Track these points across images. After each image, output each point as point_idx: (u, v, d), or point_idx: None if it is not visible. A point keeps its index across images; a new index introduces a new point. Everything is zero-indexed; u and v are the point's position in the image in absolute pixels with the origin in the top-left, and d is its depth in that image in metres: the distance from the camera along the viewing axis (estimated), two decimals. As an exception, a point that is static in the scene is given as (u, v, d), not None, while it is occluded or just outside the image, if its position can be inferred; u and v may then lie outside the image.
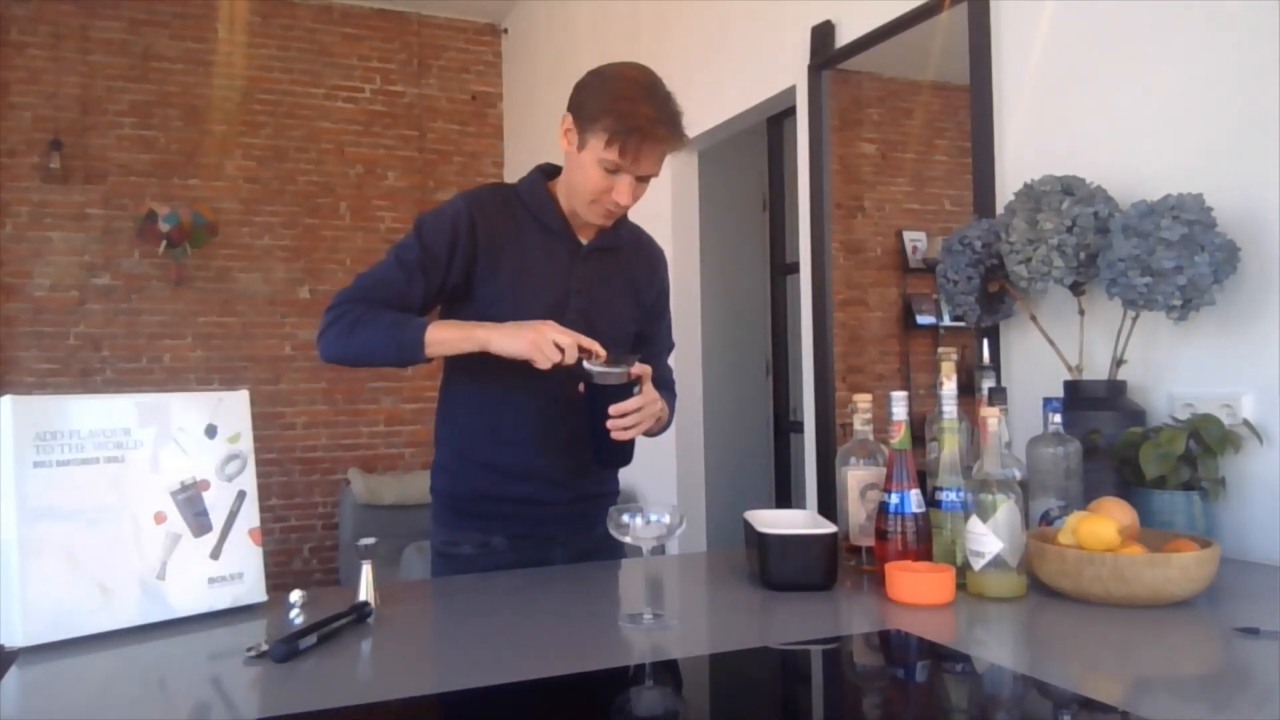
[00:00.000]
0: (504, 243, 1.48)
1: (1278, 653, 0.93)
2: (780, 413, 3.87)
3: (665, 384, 1.65)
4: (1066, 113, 1.78)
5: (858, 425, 1.39)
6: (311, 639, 0.98)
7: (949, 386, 1.26)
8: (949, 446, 1.25)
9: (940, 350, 1.32)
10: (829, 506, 1.53)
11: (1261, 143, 1.43)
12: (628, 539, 1.14)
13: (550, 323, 1.34)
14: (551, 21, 4.53)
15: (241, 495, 1.17)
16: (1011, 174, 1.89)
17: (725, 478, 3.68)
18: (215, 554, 1.13)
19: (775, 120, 3.31)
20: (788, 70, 2.67)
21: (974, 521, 1.17)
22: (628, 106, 1.36)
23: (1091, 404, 1.53)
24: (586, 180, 1.42)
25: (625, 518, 1.13)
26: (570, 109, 1.43)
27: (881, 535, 1.24)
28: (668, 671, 0.96)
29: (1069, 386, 1.60)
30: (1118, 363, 1.56)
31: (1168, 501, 1.36)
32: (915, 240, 2.52)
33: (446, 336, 1.38)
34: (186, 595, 1.10)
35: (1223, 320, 1.48)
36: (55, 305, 4.33)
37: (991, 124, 1.94)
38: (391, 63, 4.98)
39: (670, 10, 3.37)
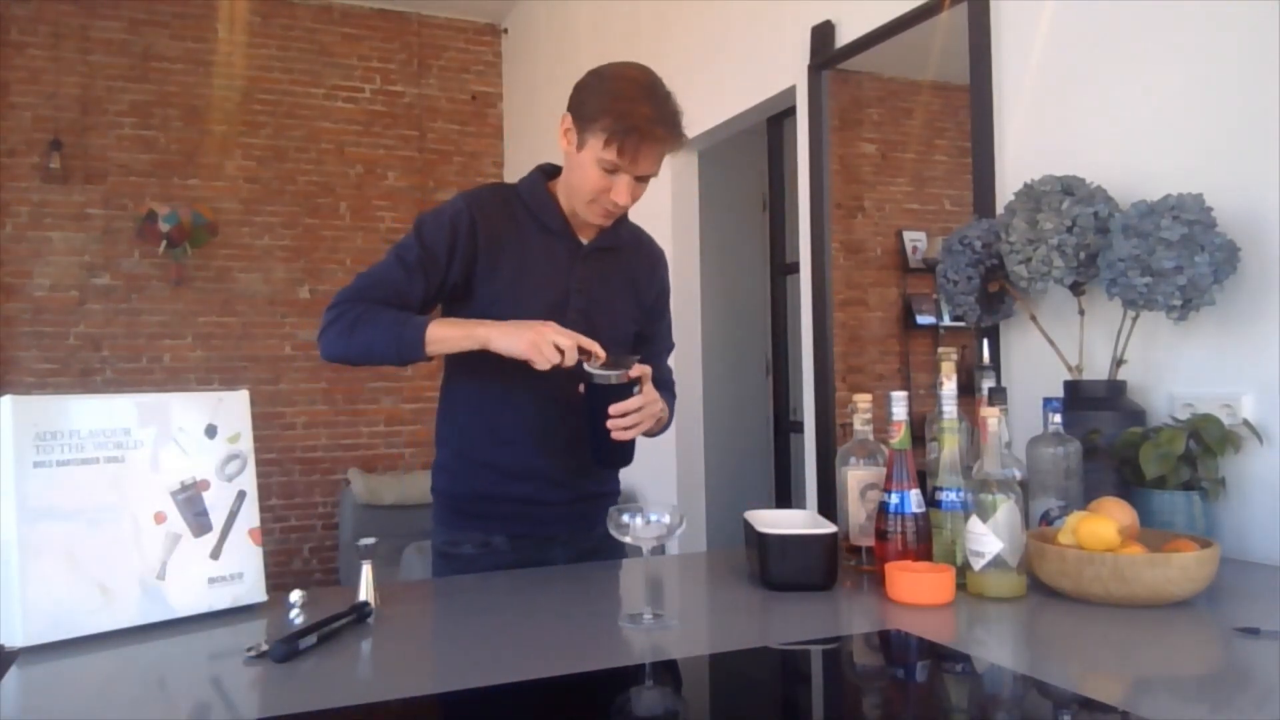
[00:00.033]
0: (504, 242, 1.48)
1: (1278, 653, 0.93)
2: (780, 413, 3.87)
3: (665, 384, 1.65)
4: (1066, 113, 1.78)
5: (858, 425, 1.39)
6: (311, 639, 0.98)
7: (949, 386, 1.26)
8: (949, 446, 1.25)
9: (940, 350, 1.32)
10: (829, 506, 1.53)
11: (1261, 143, 1.43)
12: (628, 539, 1.14)
13: (551, 324, 1.34)
14: (551, 21, 4.53)
15: (241, 495, 1.17)
16: (1011, 174, 1.89)
17: (725, 478, 3.68)
18: (215, 554, 1.13)
19: (775, 120, 3.31)
20: (788, 70, 2.67)
21: (974, 521, 1.17)
22: (626, 106, 1.36)
23: (1091, 404, 1.53)
24: (585, 180, 1.42)
25: (625, 518, 1.13)
26: (570, 109, 1.43)
27: (881, 535, 1.24)
28: (668, 671, 0.96)
29: (1069, 386, 1.60)
30: (1118, 363, 1.56)
31: (1168, 501, 1.36)
32: (915, 240, 2.52)
33: (447, 335, 1.38)
34: (186, 595, 1.10)
35: (1223, 320, 1.48)
36: (55, 305, 4.33)
37: (991, 124, 1.94)
38: (391, 63, 4.98)
39: (670, 10, 3.37)
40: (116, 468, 1.07)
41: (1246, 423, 1.42)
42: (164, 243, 4.36)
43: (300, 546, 4.71)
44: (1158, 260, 1.39)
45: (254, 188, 4.67)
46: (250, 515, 1.17)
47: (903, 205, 2.57)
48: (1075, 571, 1.12)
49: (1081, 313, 1.64)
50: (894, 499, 1.23)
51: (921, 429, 1.35)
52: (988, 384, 1.41)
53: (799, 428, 2.93)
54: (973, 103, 1.97)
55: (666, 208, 3.38)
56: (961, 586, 1.18)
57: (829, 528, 1.25)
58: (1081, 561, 1.12)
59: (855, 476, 1.36)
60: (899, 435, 1.24)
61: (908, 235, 2.52)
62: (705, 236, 3.48)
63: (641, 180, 1.43)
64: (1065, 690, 0.85)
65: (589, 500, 1.57)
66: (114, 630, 1.04)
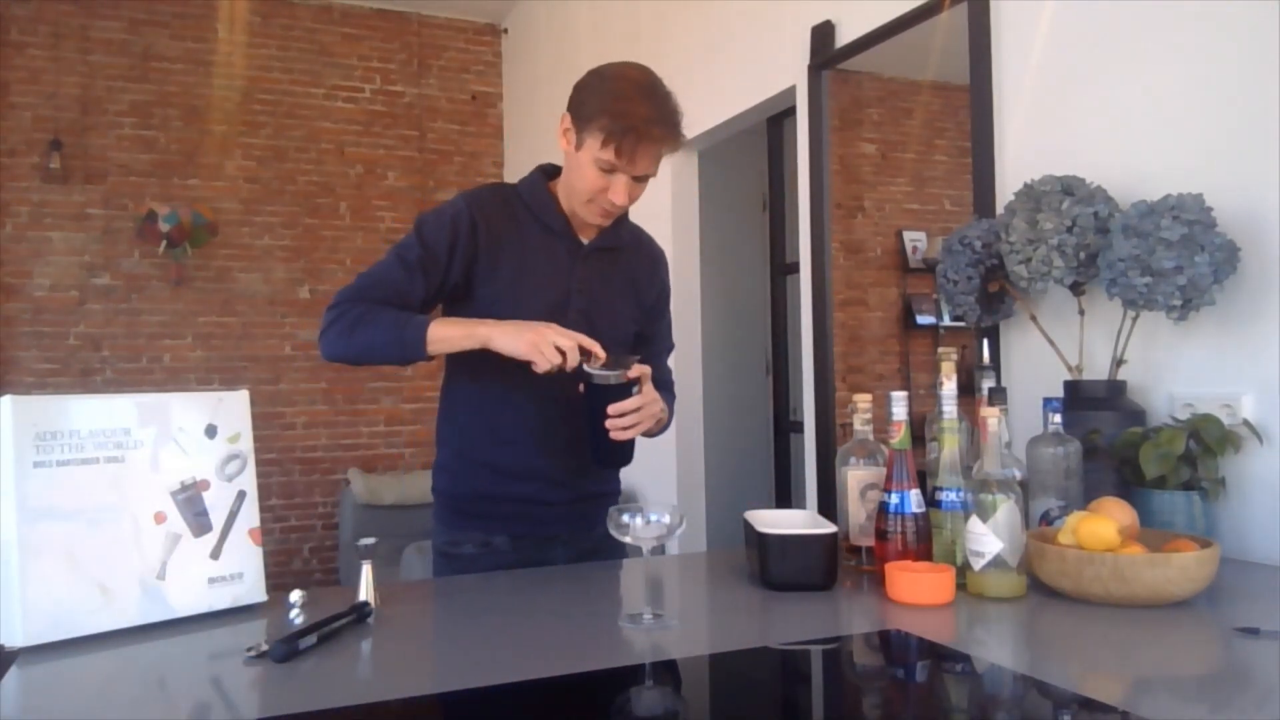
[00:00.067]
0: (504, 242, 1.48)
1: (1278, 653, 0.93)
2: (780, 413, 3.87)
3: (665, 385, 1.65)
4: (1066, 113, 1.78)
5: (858, 425, 1.39)
6: (311, 639, 0.98)
7: (949, 386, 1.26)
8: (949, 446, 1.25)
9: (940, 350, 1.32)
10: (829, 506, 1.53)
11: (1261, 143, 1.43)
12: (628, 539, 1.14)
13: (553, 325, 1.34)
14: (551, 21, 4.53)
15: (241, 495, 1.17)
16: (1011, 174, 1.89)
17: (725, 478, 3.68)
18: (215, 554, 1.13)
19: (775, 120, 3.31)
20: (788, 70, 2.67)
21: (974, 521, 1.17)
22: (624, 106, 1.35)
23: (1091, 404, 1.53)
24: (583, 180, 1.42)
25: (625, 518, 1.13)
26: (569, 109, 1.43)
27: (881, 535, 1.24)
28: (668, 671, 0.96)
29: (1069, 386, 1.60)
30: (1118, 363, 1.56)
31: (1168, 501, 1.36)
32: (915, 240, 2.52)
33: (448, 334, 1.38)
34: (186, 595, 1.10)
35: (1223, 320, 1.48)
36: (55, 305, 4.33)
37: (991, 124, 1.94)
38: (391, 63, 4.98)
39: (670, 10, 3.37)
40: (116, 468, 1.07)
41: (1246, 423, 1.42)
42: (164, 243, 4.36)
43: (300, 546, 4.71)
44: (1158, 260, 1.39)
45: (254, 188, 4.67)
46: (250, 515, 1.17)
47: (903, 205, 2.57)
48: (1075, 571, 1.12)
49: (1081, 313, 1.64)
50: (894, 499, 1.23)
51: (921, 429, 1.35)
52: (988, 384, 1.41)
53: (799, 428, 2.93)
54: (973, 103, 1.97)
55: (666, 208, 3.38)
56: (961, 586, 1.18)
57: (829, 528, 1.25)
58: (1081, 561, 1.12)
59: (855, 476, 1.36)
60: (899, 435, 1.24)
61: (908, 235, 2.52)
62: (705, 236, 3.48)
63: (640, 180, 1.43)
64: (1065, 690, 0.85)
65: (589, 500, 1.57)
66: (114, 630, 1.04)
